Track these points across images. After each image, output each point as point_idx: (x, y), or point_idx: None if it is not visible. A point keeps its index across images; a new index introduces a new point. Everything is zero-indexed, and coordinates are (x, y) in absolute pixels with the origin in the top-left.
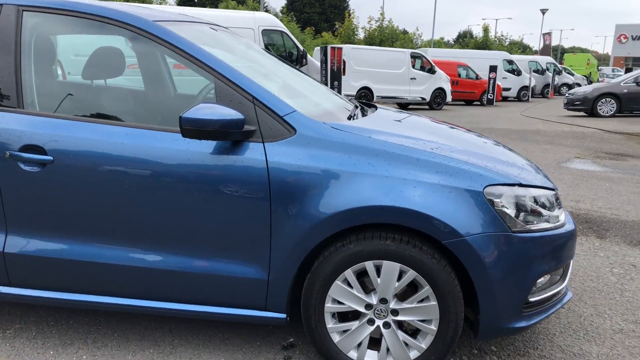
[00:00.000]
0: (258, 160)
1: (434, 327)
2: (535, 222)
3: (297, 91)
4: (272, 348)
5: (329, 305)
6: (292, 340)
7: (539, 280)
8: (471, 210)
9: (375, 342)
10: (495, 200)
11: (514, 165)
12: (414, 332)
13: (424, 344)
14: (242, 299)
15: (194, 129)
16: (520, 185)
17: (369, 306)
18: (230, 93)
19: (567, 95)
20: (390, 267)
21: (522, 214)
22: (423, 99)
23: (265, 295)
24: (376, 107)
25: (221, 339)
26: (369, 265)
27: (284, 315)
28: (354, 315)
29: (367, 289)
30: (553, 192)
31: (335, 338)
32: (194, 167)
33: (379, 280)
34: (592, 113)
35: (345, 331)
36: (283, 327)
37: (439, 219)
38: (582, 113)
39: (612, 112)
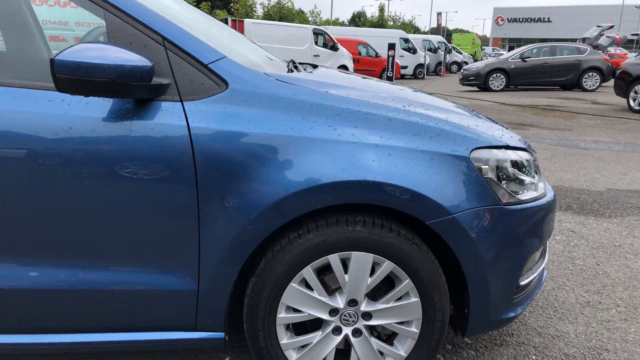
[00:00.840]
0: (175, 126)
1: (415, 329)
2: (524, 191)
3: (217, 40)
4: None
5: (282, 316)
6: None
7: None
8: (457, 180)
9: (342, 353)
10: (482, 167)
11: (494, 123)
12: (389, 337)
13: (403, 350)
14: (163, 319)
15: (74, 78)
16: (508, 147)
17: (334, 311)
18: (130, 32)
19: (462, 71)
20: (361, 260)
21: (508, 183)
22: None
23: (195, 311)
24: (316, 66)
25: None
26: (334, 259)
27: (221, 335)
28: (315, 324)
29: (330, 289)
30: (532, 156)
31: (292, 356)
32: (78, 140)
33: (346, 277)
34: (485, 88)
35: (304, 346)
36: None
37: (422, 193)
38: (475, 88)
39: (502, 87)
